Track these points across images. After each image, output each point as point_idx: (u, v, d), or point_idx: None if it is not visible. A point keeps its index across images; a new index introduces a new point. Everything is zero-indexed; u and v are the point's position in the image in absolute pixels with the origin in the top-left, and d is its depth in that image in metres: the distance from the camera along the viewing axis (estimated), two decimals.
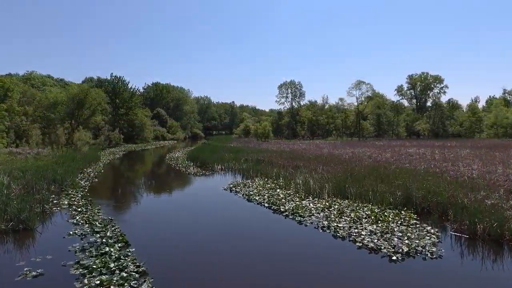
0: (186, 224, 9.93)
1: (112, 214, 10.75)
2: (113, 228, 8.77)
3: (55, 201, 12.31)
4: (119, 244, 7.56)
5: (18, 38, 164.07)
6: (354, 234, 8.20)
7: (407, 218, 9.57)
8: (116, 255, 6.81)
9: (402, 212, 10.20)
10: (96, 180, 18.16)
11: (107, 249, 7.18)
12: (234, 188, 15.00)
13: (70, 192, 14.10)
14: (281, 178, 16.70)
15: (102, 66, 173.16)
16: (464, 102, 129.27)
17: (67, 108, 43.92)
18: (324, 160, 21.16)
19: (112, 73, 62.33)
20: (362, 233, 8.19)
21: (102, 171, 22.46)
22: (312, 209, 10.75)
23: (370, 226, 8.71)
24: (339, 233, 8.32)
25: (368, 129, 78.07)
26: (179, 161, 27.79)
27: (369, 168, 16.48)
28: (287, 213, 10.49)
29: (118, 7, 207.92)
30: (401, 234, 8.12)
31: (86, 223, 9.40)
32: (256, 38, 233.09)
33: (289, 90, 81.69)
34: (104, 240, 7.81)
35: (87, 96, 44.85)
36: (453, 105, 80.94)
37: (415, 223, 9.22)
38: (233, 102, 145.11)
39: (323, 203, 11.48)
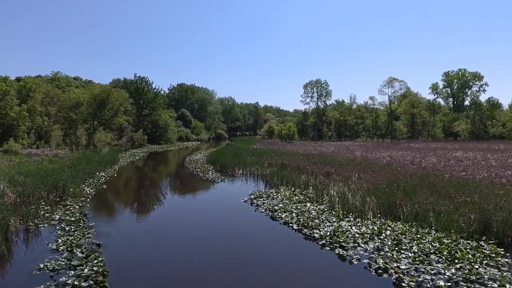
0: (191, 255, 7.66)
1: (104, 235, 8.76)
2: (95, 261, 6.69)
3: (46, 215, 10.56)
4: None
5: (49, 39, 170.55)
6: (428, 285, 5.63)
7: (493, 255, 6.90)
8: None
9: (482, 243, 7.52)
10: (104, 186, 16.42)
11: None
12: (255, 201, 12.71)
13: (69, 202, 12.37)
14: (310, 188, 14.25)
15: (130, 68, 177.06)
16: (504, 101, 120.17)
17: (89, 108, 43.38)
18: (359, 165, 18.42)
19: (135, 74, 61.89)
20: (440, 283, 5.62)
21: (115, 175, 20.88)
22: (356, 235, 8.24)
23: (446, 270, 6.12)
24: (404, 282, 5.74)
25: (401, 130, 73.24)
26: (198, 165, 25.92)
27: (418, 177, 13.64)
28: (323, 241, 8.03)
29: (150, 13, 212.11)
30: (496, 286, 5.51)
31: (68, 250, 7.44)
32: (279, 37, 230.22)
33: (315, 89, 78.39)
34: (76, 283, 5.74)
35: (109, 96, 44.09)
36: (494, 104, 74.33)
37: (506, 262, 6.56)
38: (257, 102, 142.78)
39: (369, 226, 8.94)
